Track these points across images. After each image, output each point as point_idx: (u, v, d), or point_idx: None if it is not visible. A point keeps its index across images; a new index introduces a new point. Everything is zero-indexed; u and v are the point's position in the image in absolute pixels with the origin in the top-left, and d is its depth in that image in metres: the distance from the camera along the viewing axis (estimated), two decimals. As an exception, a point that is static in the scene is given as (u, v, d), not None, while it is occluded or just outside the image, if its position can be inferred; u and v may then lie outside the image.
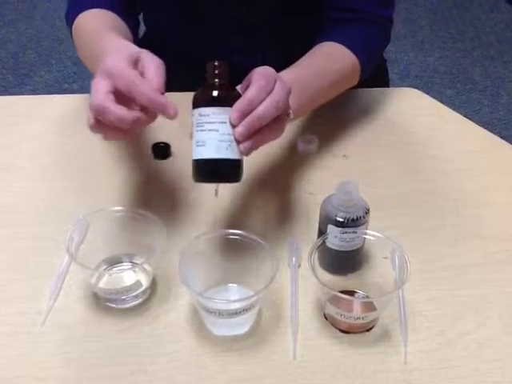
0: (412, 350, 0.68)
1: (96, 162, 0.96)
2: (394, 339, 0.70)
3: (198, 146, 0.68)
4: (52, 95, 1.18)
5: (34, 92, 2.48)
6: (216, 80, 0.69)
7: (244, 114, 0.67)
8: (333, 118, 1.05)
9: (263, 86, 0.68)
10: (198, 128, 0.68)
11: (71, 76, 2.60)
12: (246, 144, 0.68)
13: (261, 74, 0.70)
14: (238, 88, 0.72)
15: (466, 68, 2.71)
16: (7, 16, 3.00)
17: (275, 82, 0.71)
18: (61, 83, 2.55)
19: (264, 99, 0.68)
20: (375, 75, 1.21)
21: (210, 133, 0.67)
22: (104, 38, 0.81)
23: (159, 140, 0.98)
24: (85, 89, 2.51)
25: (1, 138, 1.01)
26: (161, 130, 1.01)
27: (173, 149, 0.97)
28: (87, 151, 0.98)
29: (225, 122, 0.67)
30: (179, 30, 0.99)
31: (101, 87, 0.66)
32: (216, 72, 0.69)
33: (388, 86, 1.25)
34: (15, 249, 0.81)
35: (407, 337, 0.70)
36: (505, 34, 2.98)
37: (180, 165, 0.95)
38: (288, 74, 0.82)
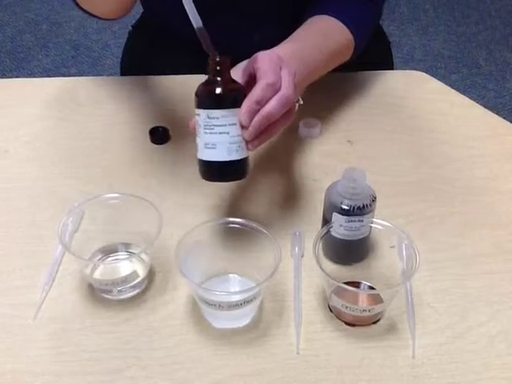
0: (420, 344, 0.66)
1: (92, 147, 0.93)
2: (402, 332, 0.67)
3: (207, 148, 0.67)
4: (49, 78, 1.15)
5: (31, 76, 2.44)
6: (219, 78, 0.67)
7: (253, 114, 0.66)
8: (336, 101, 1.02)
9: (271, 83, 0.67)
10: (207, 130, 0.66)
11: (69, 60, 2.57)
12: (255, 142, 0.68)
13: (267, 66, 0.68)
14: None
15: (470, 52, 2.67)
16: (4, -1, 2.96)
17: (280, 69, 0.69)
18: (59, 67, 2.52)
19: (272, 96, 0.66)
20: (380, 58, 1.19)
21: (220, 136, 0.66)
22: None
23: (157, 124, 0.95)
24: (83, 73, 2.47)
25: (-6, 123, 0.98)
26: (158, 114, 0.98)
27: (171, 133, 0.94)
28: (83, 136, 0.95)
29: (234, 124, 0.66)
30: (176, 11, 0.96)
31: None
32: (219, 68, 0.67)
33: (393, 69, 1.21)
34: (8, 237, 0.78)
35: (415, 330, 0.67)
36: (510, 17, 2.93)
37: (179, 149, 0.92)
38: (285, 48, 0.78)
